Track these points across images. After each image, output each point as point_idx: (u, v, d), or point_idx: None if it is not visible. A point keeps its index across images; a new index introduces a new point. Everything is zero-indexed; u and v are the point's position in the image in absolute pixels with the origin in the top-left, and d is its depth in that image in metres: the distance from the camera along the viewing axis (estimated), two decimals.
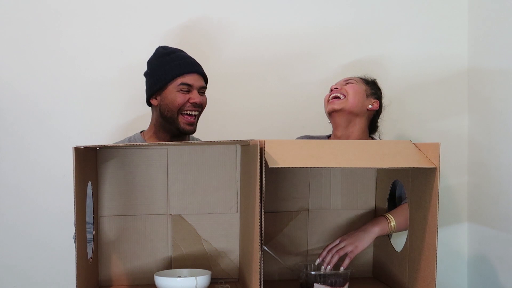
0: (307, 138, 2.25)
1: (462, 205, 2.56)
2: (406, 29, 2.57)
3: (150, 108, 2.09)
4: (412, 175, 1.65)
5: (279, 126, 2.49)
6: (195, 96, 1.99)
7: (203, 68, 2.06)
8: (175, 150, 1.76)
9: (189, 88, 1.99)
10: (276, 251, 1.83)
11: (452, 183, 2.55)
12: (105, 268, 1.74)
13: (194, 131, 2.03)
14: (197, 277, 1.59)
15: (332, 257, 1.73)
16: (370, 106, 2.14)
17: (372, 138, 2.20)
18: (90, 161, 1.64)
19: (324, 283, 1.67)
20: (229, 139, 1.60)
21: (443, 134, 2.52)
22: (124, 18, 2.44)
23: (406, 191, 1.69)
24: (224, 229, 1.79)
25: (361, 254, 1.78)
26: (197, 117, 2.02)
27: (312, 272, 1.70)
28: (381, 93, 2.21)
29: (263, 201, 1.44)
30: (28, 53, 2.39)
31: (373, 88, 2.17)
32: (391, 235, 1.82)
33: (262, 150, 1.43)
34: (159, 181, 1.76)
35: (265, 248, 1.80)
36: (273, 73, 2.51)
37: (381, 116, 2.21)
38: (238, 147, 1.77)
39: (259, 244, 1.44)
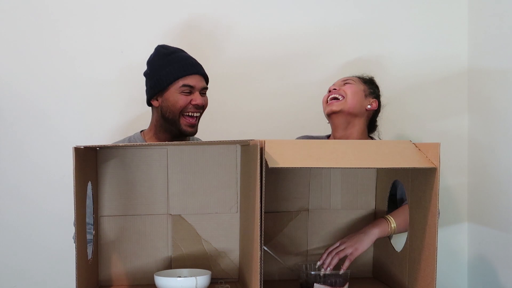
0: (307, 138, 2.25)
1: (462, 205, 2.56)
2: (406, 29, 2.57)
3: (150, 107, 2.09)
4: (412, 175, 1.65)
5: (279, 126, 2.49)
6: (197, 98, 1.98)
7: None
8: (175, 150, 1.76)
9: (191, 89, 1.98)
10: (276, 251, 1.83)
11: (452, 183, 2.55)
12: (105, 268, 1.74)
13: (195, 132, 2.02)
14: (197, 277, 1.59)
15: (332, 259, 1.73)
16: (368, 106, 2.13)
17: (372, 138, 2.20)
18: (90, 161, 1.64)
19: (324, 283, 1.67)
20: (229, 139, 1.60)
21: (443, 134, 2.52)
22: (123, 18, 2.44)
23: (406, 191, 1.69)
24: (224, 229, 1.79)
25: (361, 254, 1.78)
26: (198, 118, 2.01)
27: (312, 272, 1.70)
28: (379, 91, 2.19)
29: (263, 201, 1.44)
30: (28, 54, 2.39)
31: (371, 87, 2.16)
32: (392, 236, 1.82)
33: (262, 150, 1.43)
34: (159, 181, 1.75)
35: (265, 248, 1.79)
36: (273, 73, 2.51)
37: (380, 115, 2.20)
38: (238, 147, 1.77)
39: (259, 244, 1.44)
